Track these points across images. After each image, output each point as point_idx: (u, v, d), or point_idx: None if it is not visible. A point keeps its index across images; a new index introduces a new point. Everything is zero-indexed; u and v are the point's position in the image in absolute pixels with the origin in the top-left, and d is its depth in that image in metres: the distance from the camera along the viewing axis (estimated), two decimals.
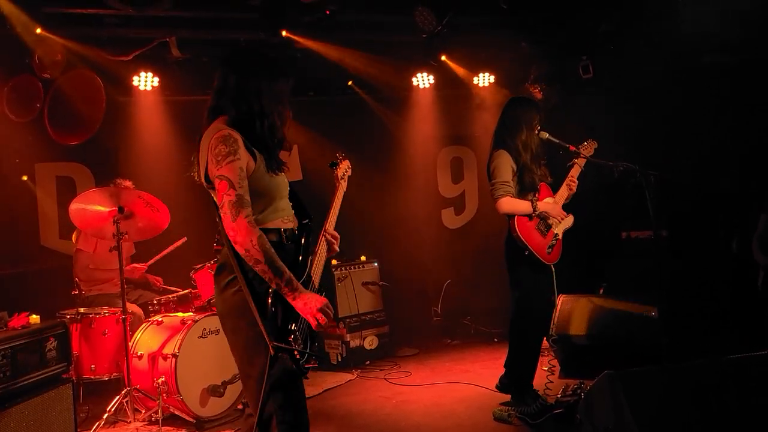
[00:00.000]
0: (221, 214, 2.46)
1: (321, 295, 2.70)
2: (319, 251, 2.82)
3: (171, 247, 5.36)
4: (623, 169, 4.04)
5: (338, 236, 2.93)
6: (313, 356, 2.57)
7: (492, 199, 4.26)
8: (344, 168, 3.10)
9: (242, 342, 2.55)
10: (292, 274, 2.46)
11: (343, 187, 3.04)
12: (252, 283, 2.47)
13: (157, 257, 5.40)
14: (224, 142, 2.46)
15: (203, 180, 2.58)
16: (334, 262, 6.39)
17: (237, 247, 2.43)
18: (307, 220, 2.76)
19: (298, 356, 2.48)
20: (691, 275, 5.46)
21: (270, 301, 2.45)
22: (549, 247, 4.24)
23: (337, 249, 2.92)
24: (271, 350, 2.40)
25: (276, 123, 2.61)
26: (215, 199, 2.52)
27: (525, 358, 4.33)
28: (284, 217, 2.65)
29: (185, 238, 5.32)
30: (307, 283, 2.63)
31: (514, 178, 4.27)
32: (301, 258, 2.67)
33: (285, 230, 2.63)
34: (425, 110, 7.29)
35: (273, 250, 2.44)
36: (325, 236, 2.88)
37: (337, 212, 2.98)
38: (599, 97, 6.36)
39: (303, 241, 2.71)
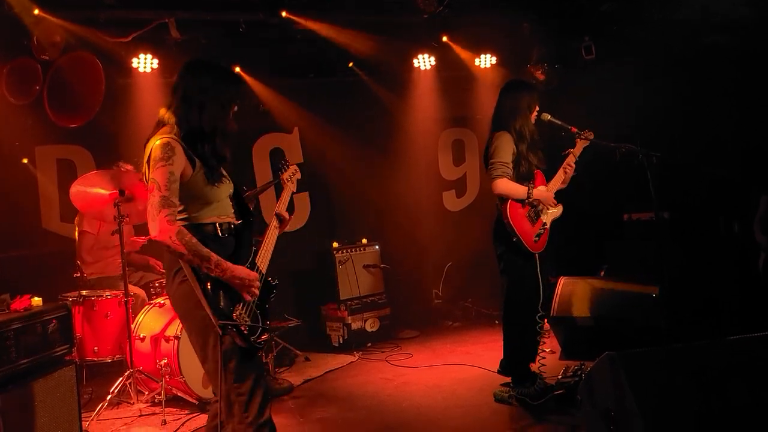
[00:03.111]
0: (146, 213, 2.62)
1: (274, 279, 2.90)
2: (267, 237, 3.02)
3: None
4: (625, 151, 4.01)
5: (286, 214, 3.19)
6: (264, 330, 2.73)
7: (488, 178, 4.23)
8: (290, 172, 3.44)
9: (194, 327, 2.71)
10: (219, 257, 2.60)
11: (290, 188, 3.38)
12: (196, 271, 2.61)
13: None
14: (161, 149, 2.64)
15: (146, 181, 2.74)
16: (335, 244, 6.40)
17: (159, 243, 2.59)
18: (251, 218, 2.95)
19: (246, 331, 2.61)
20: (692, 257, 5.46)
21: (209, 284, 2.59)
22: (536, 236, 4.21)
23: (287, 217, 3.17)
24: (218, 329, 2.56)
25: (216, 143, 2.76)
26: None
27: (518, 343, 4.32)
28: (220, 214, 2.80)
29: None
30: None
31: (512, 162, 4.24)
32: (242, 249, 2.82)
33: (221, 224, 2.78)
34: (426, 92, 7.25)
35: (194, 240, 2.59)
36: (276, 215, 3.15)
37: (286, 203, 3.28)
38: (601, 78, 6.31)
39: (244, 235, 2.88)
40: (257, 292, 2.70)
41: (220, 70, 2.86)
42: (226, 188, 2.86)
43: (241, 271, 2.66)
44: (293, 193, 3.41)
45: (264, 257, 2.91)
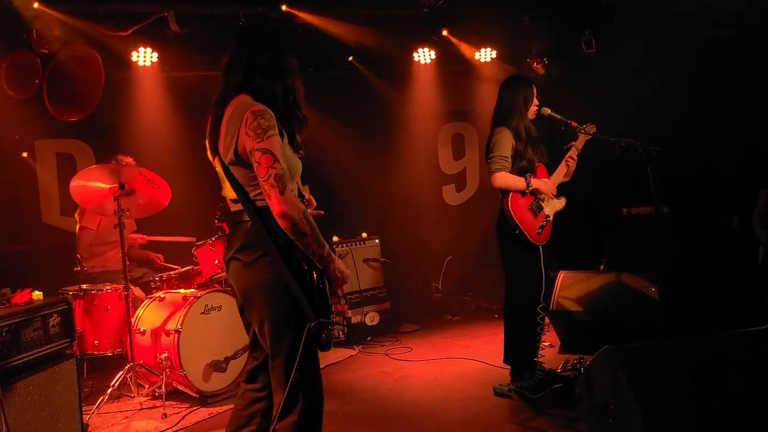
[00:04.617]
0: (266, 188, 2.39)
1: None
2: None
3: (176, 238, 5.38)
4: (625, 145, 4.01)
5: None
6: (344, 327, 2.66)
7: (488, 172, 4.25)
8: None
9: (273, 318, 2.51)
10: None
11: None
12: (288, 259, 2.45)
13: (160, 238, 5.42)
14: (262, 116, 2.42)
15: (232, 156, 2.49)
16: (335, 238, 6.41)
17: (283, 221, 2.38)
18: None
19: (331, 332, 2.51)
20: (692, 251, 5.47)
21: (315, 275, 2.46)
22: (539, 228, 4.22)
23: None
24: (312, 325, 2.40)
25: (299, 100, 2.61)
26: (242, 175, 2.49)
27: (520, 337, 4.33)
28: (298, 194, 2.65)
29: (194, 239, 5.28)
30: None
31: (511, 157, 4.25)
32: None
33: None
34: (426, 86, 7.24)
35: (315, 222, 2.46)
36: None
37: None
38: (601, 72, 6.31)
39: None
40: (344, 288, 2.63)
41: (283, 36, 2.68)
42: (301, 164, 2.65)
43: (342, 264, 2.56)
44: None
45: None
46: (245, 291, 2.58)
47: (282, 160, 2.40)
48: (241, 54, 2.58)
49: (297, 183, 2.64)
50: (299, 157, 2.60)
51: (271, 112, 2.45)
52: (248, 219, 2.52)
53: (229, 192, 2.61)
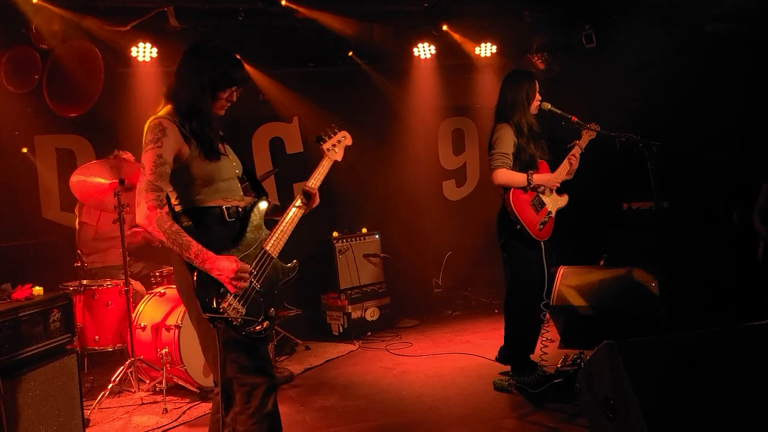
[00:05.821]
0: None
1: (291, 262, 2.84)
2: (286, 217, 2.84)
3: None
4: (625, 140, 4.00)
5: (316, 191, 2.92)
6: (266, 320, 2.65)
7: (489, 169, 4.24)
8: (334, 140, 3.09)
9: (194, 315, 2.67)
10: (201, 247, 2.52)
11: (330, 157, 3.03)
12: (186, 261, 2.57)
13: None
14: (150, 130, 2.60)
15: None
16: (335, 234, 6.40)
17: (143, 230, 2.59)
18: (264, 198, 2.87)
19: (237, 323, 2.55)
20: (692, 246, 5.47)
21: (196, 273, 2.54)
22: (541, 224, 4.22)
23: (318, 201, 2.92)
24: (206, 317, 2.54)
25: (204, 122, 2.70)
26: None
27: (520, 333, 4.35)
28: (226, 196, 2.73)
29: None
30: (254, 256, 2.71)
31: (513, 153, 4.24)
32: (249, 232, 2.75)
33: (227, 208, 2.72)
34: (426, 81, 7.23)
35: (175, 228, 2.53)
36: (303, 191, 2.90)
37: (322, 177, 2.96)
38: (602, 66, 6.29)
39: (254, 217, 2.79)
40: (243, 284, 2.56)
41: (209, 51, 2.75)
42: (230, 167, 2.79)
43: (222, 262, 2.52)
44: (336, 162, 2.98)
45: (278, 240, 2.77)
46: (178, 293, 2.77)
47: (152, 171, 2.56)
48: (177, 70, 2.79)
49: (223, 183, 2.73)
50: (218, 160, 2.71)
51: (165, 124, 2.60)
52: None
53: None
